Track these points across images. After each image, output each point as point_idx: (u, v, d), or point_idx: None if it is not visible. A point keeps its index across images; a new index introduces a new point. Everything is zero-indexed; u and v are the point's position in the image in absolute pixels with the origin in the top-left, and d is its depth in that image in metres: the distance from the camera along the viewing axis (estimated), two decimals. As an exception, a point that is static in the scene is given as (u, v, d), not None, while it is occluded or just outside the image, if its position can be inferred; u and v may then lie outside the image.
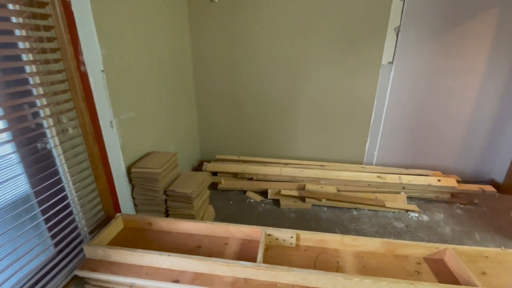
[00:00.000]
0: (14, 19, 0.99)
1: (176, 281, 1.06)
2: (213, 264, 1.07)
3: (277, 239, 1.27)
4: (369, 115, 2.55)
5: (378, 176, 2.36)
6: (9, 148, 1.05)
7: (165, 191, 1.71)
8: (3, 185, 1.00)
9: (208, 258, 1.07)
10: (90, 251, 1.18)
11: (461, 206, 2.28)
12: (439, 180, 2.29)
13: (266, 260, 1.17)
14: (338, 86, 2.50)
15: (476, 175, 2.66)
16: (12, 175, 1.03)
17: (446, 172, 2.64)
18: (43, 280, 1.12)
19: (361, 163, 2.74)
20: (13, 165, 1.04)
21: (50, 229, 1.18)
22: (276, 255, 1.22)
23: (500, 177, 2.53)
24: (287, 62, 2.48)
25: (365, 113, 2.55)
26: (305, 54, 2.43)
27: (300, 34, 2.38)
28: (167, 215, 1.75)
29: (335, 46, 2.37)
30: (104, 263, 1.16)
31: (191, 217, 1.70)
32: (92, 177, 1.38)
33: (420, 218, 2.12)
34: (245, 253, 1.22)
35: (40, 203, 1.15)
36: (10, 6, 0.98)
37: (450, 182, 2.27)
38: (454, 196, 2.33)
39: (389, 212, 2.19)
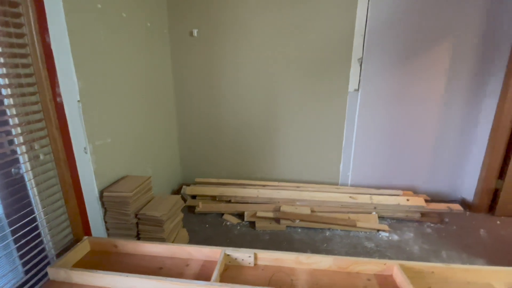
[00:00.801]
0: (-6, 59, 1.13)
1: (132, 301, 1.10)
2: (169, 284, 1.11)
3: (236, 259, 1.32)
4: (340, 138, 2.69)
5: (350, 197, 2.44)
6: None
7: (136, 215, 1.76)
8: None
9: (164, 278, 1.12)
10: (53, 273, 1.22)
11: (432, 225, 2.34)
12: (408, 200, 2.37)
13: (223, 280, 1.22)
14: (311, 111, 2.66)
15: (448, 195, 2.75)
16: (-20, 199, 1.10)
17: (419, 192, 2.73)
18: (3, 303, 1.15)
19: (337, 184, 2.83)
20: (-18, 189, 1.12)
21: (18, 249, 1.23)
22: (234, 275, 1.26)
23: (470, 196, 2.62)
24: (263, 90, 2.66)
25: (337, 136, 2.69)
26: (280, 83, 2.62)
27: (275, 65, 2.58)
28: (138, 239, 1.79)
29: (306, 76, 2.57)
30: (66, 285, 1.20)
31: (161, 240, 1.74)
32: (62, 201, 1.44)
33: (390, 238, 2.17)
34: (205, 274, 1.27)
35: (10, 224, 1.21)
36: (-8, 49, 1.12)
37: (419, 201, 2.35)
38: (425, 215, 2.41)
39: (361, 232, 2.24)
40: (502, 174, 2.39)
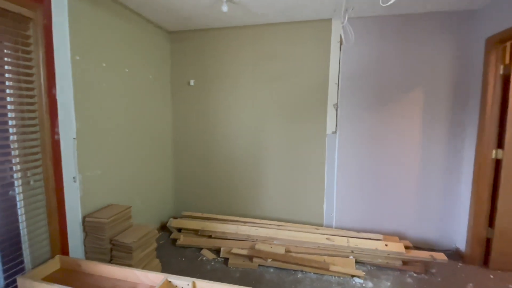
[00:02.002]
0: (8, 106, 1.51)
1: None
2: (107, 301, 1.24)
3: (176, 286, 1.42)
4: (322, 178, 2.76)
5: (327, 238, 2.41)
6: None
7: (111, 240, 1.95)
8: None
9: (103, 294, 1.25)
10: (21, 282, 1.42)
11: (414, 275, 2.20)
12: (386, 245, 2.28)
13: (160, 304, 1.31)
14: (293, 152, 2.81)
15: (441, 243, 2.58)
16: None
17: (408, 239, 2.60)
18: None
19: (321, 225, 2.80)
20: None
21: (2, 258, 1.47)
22: (172, 300, 1.35)
23: (464, 246, 2.44)
24: (249, 132, 2.90)
25: (318, 177, 2.77)
26: (264, 127, 2.85)
27: (259, 111, 2.85)
28: (109, 263, 1.94)
29: (287, 120, 2.79)
30: (26, 297, 1.37)
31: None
32: (45, 221, 1.69)
33: (364, 285, 2.08)
34: (146, 297, 1.37)
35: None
36: (8, 98, 1.51)
37: (398, 247, 2.26)
38: (408, 264, 2.27)
39: (334, 276, 2.17)
40: (491, 221, 2.24)
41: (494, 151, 2.21)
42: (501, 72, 2.16)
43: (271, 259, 2.29)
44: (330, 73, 2.64)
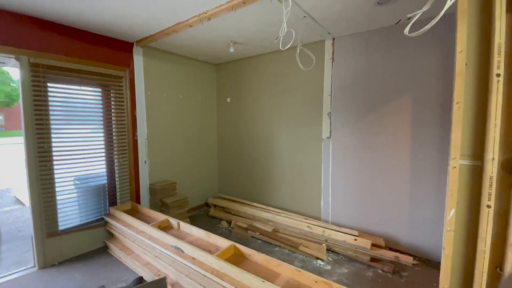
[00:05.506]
0: (113, 122, 3.00)
1: (128, 227, 2.48)
2: (138, 223, 2.42)
3: (171, 223, 2.44)
4: (319, 178, 3.16)
5: (307, 227, 2.85)
6: (103, 163, 2.96)
7: (160, 200, 3.22)
8: (100, 178, 2.87)
9: (141, 222, 2.44)
10: (111, 210, 2.83)
11: (379, 271, 2.35)
12: (355, 240, 2.51)
13: (161, 229, 2.37)
14: (296, 154, 3.35)
15: (438, 256, 2.48)
16: (103, 174, 2.90)
17: (403, 246, 2.64)
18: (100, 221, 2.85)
19: (319, 219, 3.19)
20: (103, 173, 2.93)
21: (109, 199, 2.96)
22: (165, 229, 2.39)
23: (458, 261, 2.30)
24: (265, 136, 3.65)
25: (316, 176, 3.18)
26: (276, 131, 3.54)
27: (272, 118, 3.56)
28: (159, 214, 3.22)
29: (292, 126, 3.37)
30: (112, 216, 2.76)
31: (166, 217, 3.08)
32: (128, 183, 3.12)
33: (321, 266, 2.45)
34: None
35: (108, 188, 2.97)
36: (113, 118, 2.99)
37: (364, 243, 2.44)
38: (377, 261, 2.42)
39: (302, 255, 2.63)
40: (475, 235, 2.08)
41: (478, 159, 2.07)
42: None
43: (259, 233, 2.98)
44: (325, 86, 3.04)
